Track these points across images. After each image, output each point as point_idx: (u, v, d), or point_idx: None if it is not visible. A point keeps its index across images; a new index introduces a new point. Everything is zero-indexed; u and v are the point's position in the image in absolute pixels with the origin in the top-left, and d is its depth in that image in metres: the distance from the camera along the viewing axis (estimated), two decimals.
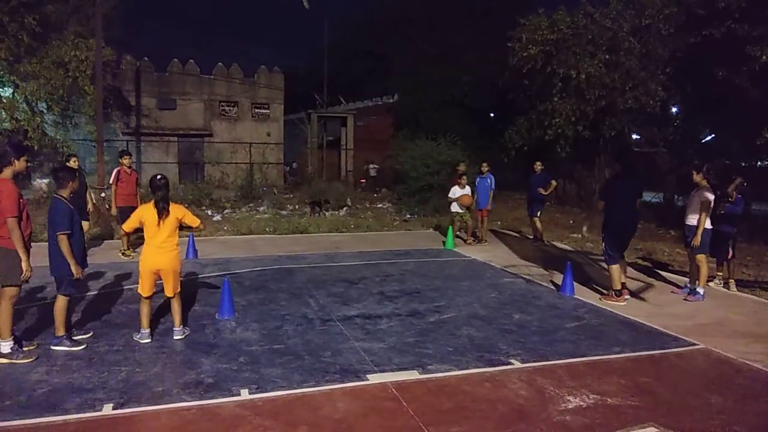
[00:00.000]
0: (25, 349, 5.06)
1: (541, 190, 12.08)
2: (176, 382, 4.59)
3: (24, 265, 4.85)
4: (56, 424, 3.87)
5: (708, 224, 7.50)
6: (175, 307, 5.65)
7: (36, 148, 16.95)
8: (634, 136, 20.45)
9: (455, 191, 11.61)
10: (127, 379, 4.59)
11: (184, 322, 5.88)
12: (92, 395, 4.28)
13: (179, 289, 5.66)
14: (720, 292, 8.12)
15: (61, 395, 4.27)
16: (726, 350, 5.55)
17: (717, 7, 14.30)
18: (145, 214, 5.47)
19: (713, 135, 18.23)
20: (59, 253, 5.05)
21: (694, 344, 5.74)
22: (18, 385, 4.45)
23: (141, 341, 5.49)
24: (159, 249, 5.43)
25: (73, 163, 9.28)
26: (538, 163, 12.53)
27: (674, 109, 19.27)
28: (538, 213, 12.37)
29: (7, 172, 4.91)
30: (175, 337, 5.61)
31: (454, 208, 11.71)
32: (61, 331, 5.23)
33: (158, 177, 5.56)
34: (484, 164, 12.15)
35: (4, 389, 4.37)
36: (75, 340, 5.33)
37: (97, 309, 6.61)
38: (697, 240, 7.46)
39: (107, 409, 4.06)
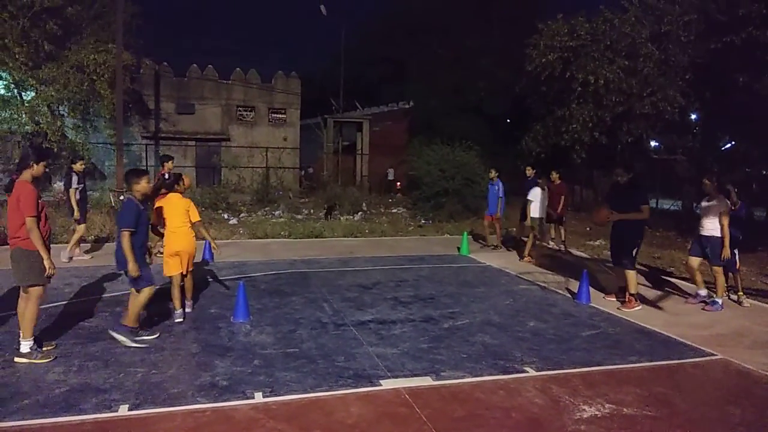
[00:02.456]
0: (44, 349, 5.13)
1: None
2: (191, 384, 4.62)
3: (46, 263, 4.95)
4: (73, 423, 3.91)
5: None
6: (188, 285, 6.50)
7: (56, 150, 17.20)
8: (653, 144, 20.21)
9: (535, 193, 10.90)
10: (142, 381, 4.64)
11: (200, 324, 6.08)
12: (108, 396, 4.33)
13: (192, 268, 6.54)
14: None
15: (78, 395, 4.32)
16: (745, 361, 5.45)
17: (737, 14, 14.13)
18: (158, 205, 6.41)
19: (733, 143, 17.96)
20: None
21: (713, 354, 5.65)
22: (36, 384, 4.52)
23: (176, 320, 6.25)
24: (175, 233, 6.25)
25: (79, 166, 9.66)
26: (529, 168, 12.32)
27: (693, 117, 19.03)
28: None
29: (26, 174, 5.05)
30: (186, 310, 6.44)
31: (534, 212, 10.92)
32: (131, 323, 5.45)
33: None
34: (492, 171, 12.09)
35: (22, 388, 4.43)
36: (137, 339, 5.48)
37: (113, 311, 6.68)
38: (727, 251, 7.25)
39: (123, 410, 4.10)
